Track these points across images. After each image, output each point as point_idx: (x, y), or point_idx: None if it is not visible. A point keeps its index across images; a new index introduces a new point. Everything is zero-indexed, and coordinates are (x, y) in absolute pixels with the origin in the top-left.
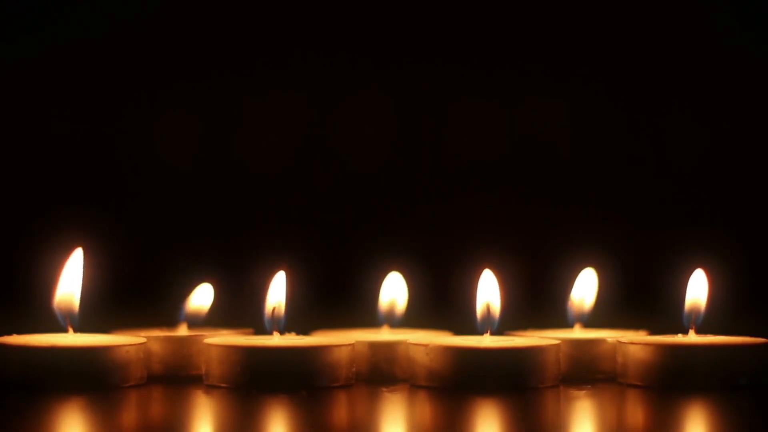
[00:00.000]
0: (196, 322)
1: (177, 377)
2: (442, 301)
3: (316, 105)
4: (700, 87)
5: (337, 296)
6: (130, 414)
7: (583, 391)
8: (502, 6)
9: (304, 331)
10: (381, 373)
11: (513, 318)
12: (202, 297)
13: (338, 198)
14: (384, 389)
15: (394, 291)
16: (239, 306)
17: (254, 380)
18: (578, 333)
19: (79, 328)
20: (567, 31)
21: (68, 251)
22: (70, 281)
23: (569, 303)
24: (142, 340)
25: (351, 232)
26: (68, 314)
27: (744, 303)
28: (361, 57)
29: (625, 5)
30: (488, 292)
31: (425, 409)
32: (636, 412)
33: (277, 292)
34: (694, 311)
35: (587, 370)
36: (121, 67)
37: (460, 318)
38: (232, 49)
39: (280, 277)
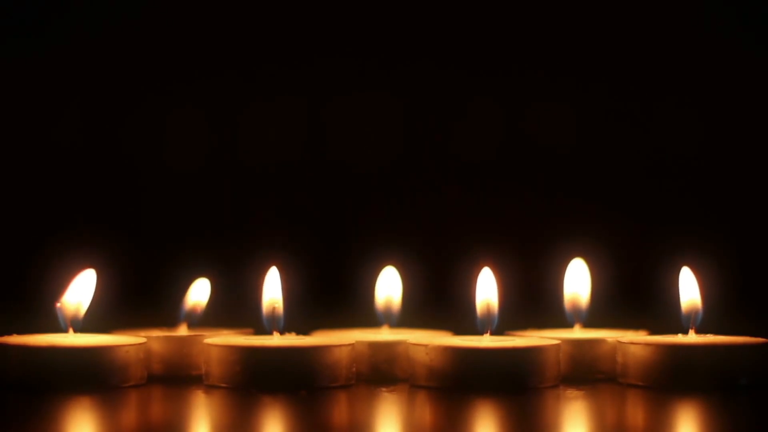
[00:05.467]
0: (195, 319)
1: (177, 377)
2: (440, 299)
3: (317, 104)
4: (697, 86)
5: (336, 295)
6: (130, 414)
7: (583, 391)
8: (501, 8)
9: (303, 331)
10: (381, 373)
11: (513, 317)
12: (199, 293)
13: (337, 196)
14: (384, 389)
15: (389, 288)
16: (237, 305)
17: (254, 380)
18: (578, 333)
19: (80, 329)
20: (562, 29)
21: (72, 255)
22: (80, 294)
23: (565, 300)
24: (142, 340)
25: (349, 231)
26: (71, 319)
27: (743, 303)
28: (363, 57)
29: (622, 6)
30: (488, 290)
31: (425, 409)
32: (636, 412)
33: (273, 290)
34: (693, 311)
35: (587, 370)
36: (123, 70)
37: (459, 316)
38: (236, 50)
39: (274, 274)
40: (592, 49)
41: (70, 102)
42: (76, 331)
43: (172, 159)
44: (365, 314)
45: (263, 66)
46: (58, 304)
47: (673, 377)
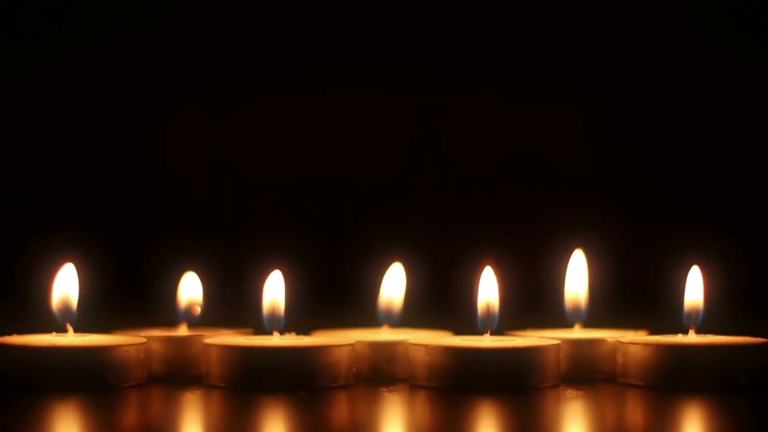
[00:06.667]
0: (195, 319)
1: (177, 377)
2: (441, 299)
3: (317, 106)
4: (699, 86)
5: (336, 295)
6: (130, 414)
7: (583, 391)
8: (499, 13)
9: (304, 331)
10: (381, 373)
11: (513, 317)
12: (190, 288)
13: (338, 197)
14: (384, 389)
15: (393, 286)
16: (237, 305)
17: (254, 380)
18: (578, 333)
19: (80, 328)
20: (564, 32)
21: (72, 256)
22: (67, 289)
23: (565, 299)
24: (142, 340)
25: (350, 231)
26: (66, 313)
27: (743, 302)
28: (362, 60)
29: (626, 11)
30: (488, 290)
31: (425, 409)
32: (636, 412)
33: (274, 292)
34: (694, 311)
35: (587, 370)
36: (123, 73)
37: (459, 316)
38: (238, 56)
39: (276, 277)
40: (594, 50)
41: (66, 105)
42: (73, 326)
43: (173, 161)
44: (366, 314)
45: (265, 68)
46: (54, 304)
47: (673, 377)
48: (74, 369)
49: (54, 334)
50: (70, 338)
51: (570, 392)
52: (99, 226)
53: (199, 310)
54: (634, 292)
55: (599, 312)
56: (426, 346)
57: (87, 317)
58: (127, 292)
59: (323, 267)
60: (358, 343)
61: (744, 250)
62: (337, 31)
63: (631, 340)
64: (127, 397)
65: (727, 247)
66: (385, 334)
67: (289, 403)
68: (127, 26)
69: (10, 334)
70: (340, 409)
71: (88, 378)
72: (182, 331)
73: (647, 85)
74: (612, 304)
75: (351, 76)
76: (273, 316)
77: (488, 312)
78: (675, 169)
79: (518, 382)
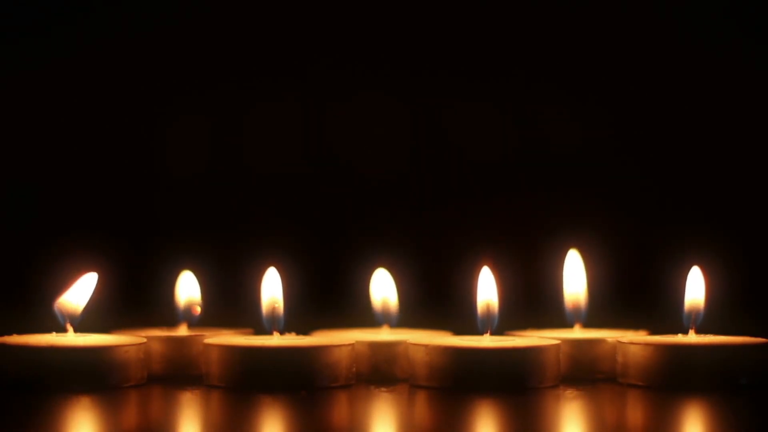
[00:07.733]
0: (194, 318)
1: (177, 377)
2: (441, 299)
3: (318, 107)
4: (699, 86)
5: (336, 295)
6: (130, 414)
7: (583, 391)
8: (498, 13)
9: (303, 331)
10: (381, 373)
11: (513, 317)
12: (188, 288)
13: (337, 197)
14: (384, 389)
15: (384, 289)
16: (237, 305)
17: (254, 380)
18: (578, 333)
19: (79, 328)
20: (563, 39)
21: (72, 256)
22: (79, 293)
23: (565, 299)
24: (142, 340)
25: (350, 231)
26: (69, 316)
27: (743, 302)
28: (362, 61)
29: (618, 13)
30: (488, 290)
31: (425, 409)
32: (636, 412)
33: (272, 291)
34: (694, 311)
35: (587, 370)
36: (124, 75)
37: (459, 316)
38: (238, 56)
39: (272, 275)
40: (594, 50)
41: (66, 105)
42: (75, 328)
43: (173, 161)
44: (365, 314)
45: (265, 69)
46: (57, 303)
47: (673, 377)
48: (74, 369)
49: (54, 334)
50: (70, 338)
51: (570, 392)
52: (99, 226)
53: (199, 310)
54: (634, 292)
55: (599, 312)
56: (426, 346)
57: (87, 317)
58: (127, 292)
59: (323, 267)
60: (358, 343)
61: (744, 250)
62: (335, 33)
63: (631, 340)
64: (127, 397)
65: (727, 247)
66: (385, 334)
67: (289, 403)
68: (127, 26)
69: (10, 334)
70: (340, 409)
71: (88, 378)
72: (182, 331)
73: (647, 85)
74: (612, 304)
75: (351, 78)
76: (273, 316)
77: (488, 312)
78: (675, 169)
79: (518, 382)
